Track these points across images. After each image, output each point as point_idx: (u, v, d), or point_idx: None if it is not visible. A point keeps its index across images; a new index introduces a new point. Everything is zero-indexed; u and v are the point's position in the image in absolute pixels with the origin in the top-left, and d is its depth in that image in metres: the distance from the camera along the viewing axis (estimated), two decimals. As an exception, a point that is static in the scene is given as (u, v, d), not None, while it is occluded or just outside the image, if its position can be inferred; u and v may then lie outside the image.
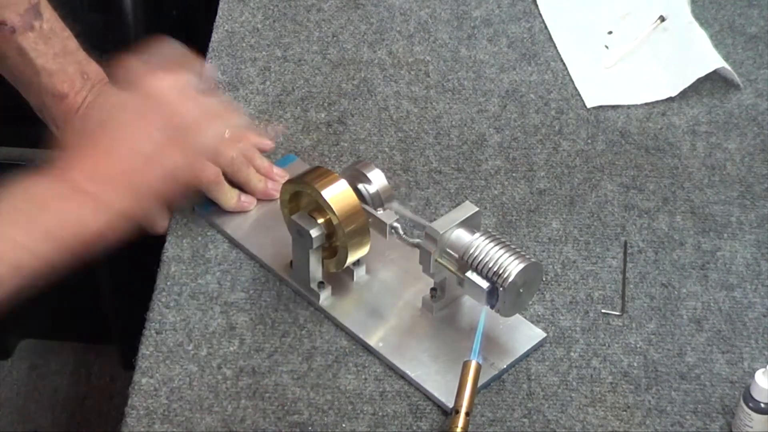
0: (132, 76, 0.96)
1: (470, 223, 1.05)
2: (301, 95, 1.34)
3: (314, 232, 1.05)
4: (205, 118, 0.97)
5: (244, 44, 1.40)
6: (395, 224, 1.07)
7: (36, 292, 0.86)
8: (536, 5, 1.48)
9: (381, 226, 1.07)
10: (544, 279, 1.13)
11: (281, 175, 1.18)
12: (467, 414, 0.96)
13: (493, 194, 1.23)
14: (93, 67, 1.14)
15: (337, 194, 1.04)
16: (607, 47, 1.43)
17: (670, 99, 1.35)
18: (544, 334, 1.08)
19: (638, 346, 1.08)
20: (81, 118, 1.10)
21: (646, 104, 1.34)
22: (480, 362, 0.98)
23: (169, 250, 1.15)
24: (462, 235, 1.03)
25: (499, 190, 1.23)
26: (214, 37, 1.41)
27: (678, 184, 1.25)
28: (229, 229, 1.16)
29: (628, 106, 1.34)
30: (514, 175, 1.25)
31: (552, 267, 1.15)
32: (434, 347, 1.06)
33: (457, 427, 0.95)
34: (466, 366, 0.98)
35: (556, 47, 1.42)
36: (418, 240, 1.06)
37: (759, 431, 0.98)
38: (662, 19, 1.43)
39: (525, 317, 1.09)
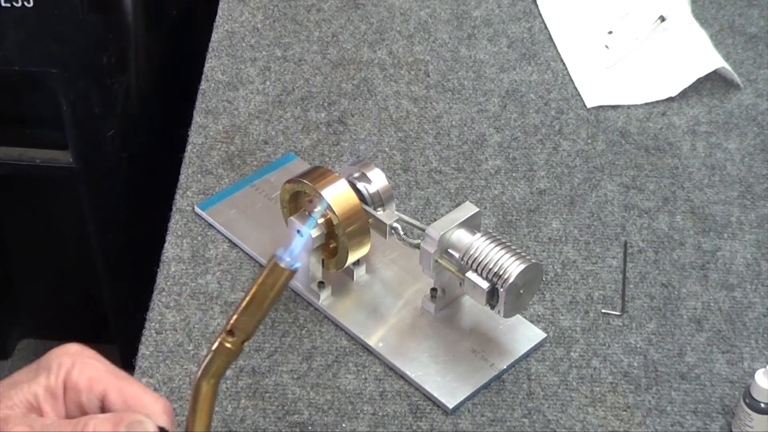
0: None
1: (470, 224, 1.05)
2: (301, 95, 1.34)
3: (314, 232, 1.05)
4: None
5: (244, 44, 1.40)
6: (395, 224, 1.07)
7: (36, 292, 0.84)
8: (536, 5, 1.48)
9: (381, 227, 1.07)
10: (544, 279, 1.13)
11: None
12: None
13: (493, 194, 1.23)
14: None
15: (337, 194, 1.04)
16: (607, 47, 1.43)
17: (670, 99, 1.35)
18: (544, 335, 1.08)
19: (638, 346, 1.08)
20: None
21: (646, 104, 1.34)
22: (294, 268, 0.66)
23: (169, 250, 1.15)
24: (462, 236, 1.03)
25: (499, 190, 1.23)
26: (214, 37, 1.41)
27: (678, 184, 1.24)
28: (229, 229, 1.16)
29: (628, 106, 1.34)
30: (514, 175, 1.25)
31: (552, 267, 1.15)
32: (434, 347, 1.06)
33: None
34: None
35: (556, 47, 1.42)
36: (418, 241, 1.06)
37: (759, 431, 0.98)
38: (662, 19, 1.43)
39: (525, 317, 1.09)
